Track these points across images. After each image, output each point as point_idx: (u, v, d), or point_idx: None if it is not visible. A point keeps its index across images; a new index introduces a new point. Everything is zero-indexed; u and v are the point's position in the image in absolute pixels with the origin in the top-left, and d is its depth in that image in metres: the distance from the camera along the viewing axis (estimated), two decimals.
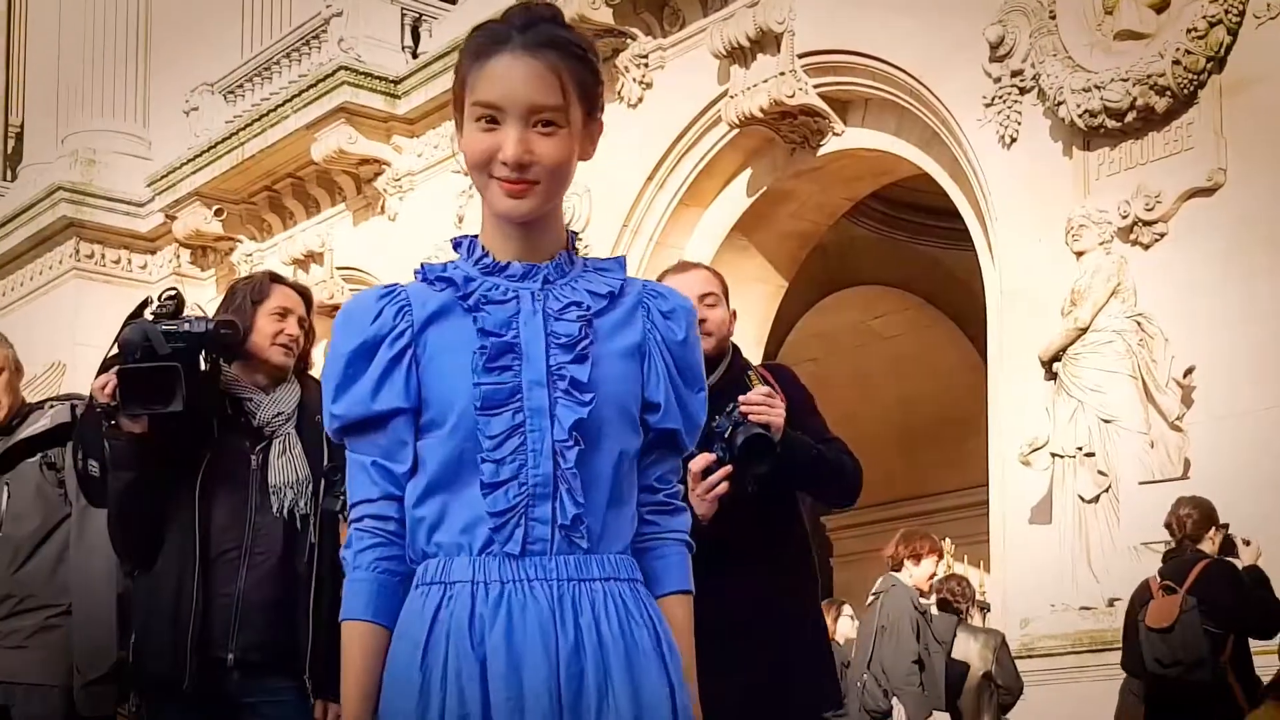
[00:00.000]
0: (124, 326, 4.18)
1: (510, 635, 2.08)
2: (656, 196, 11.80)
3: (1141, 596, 7.11)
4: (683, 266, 4.30)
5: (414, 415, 2.16)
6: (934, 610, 8.58)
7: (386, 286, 2.24)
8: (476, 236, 2.24)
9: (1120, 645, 7.35)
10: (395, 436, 2.17)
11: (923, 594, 8.49)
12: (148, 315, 4.21)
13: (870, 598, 8.64)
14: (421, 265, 2.25)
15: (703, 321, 3.93)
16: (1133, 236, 8.66)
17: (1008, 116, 9.30)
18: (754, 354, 12.06)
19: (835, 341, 15.52)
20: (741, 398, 3.87)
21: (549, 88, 2.10)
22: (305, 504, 4.23)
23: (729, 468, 3.81)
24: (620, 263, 2.31)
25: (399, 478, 2.18)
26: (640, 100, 11.74)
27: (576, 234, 2.27)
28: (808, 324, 14.94)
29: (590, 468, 2.14)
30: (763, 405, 3.85)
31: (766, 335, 12.41)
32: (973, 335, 13.99)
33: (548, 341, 2.15)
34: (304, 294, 4.53)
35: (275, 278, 4.57)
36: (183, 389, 4.00)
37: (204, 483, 4.18)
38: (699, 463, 3.79)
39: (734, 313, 4.21)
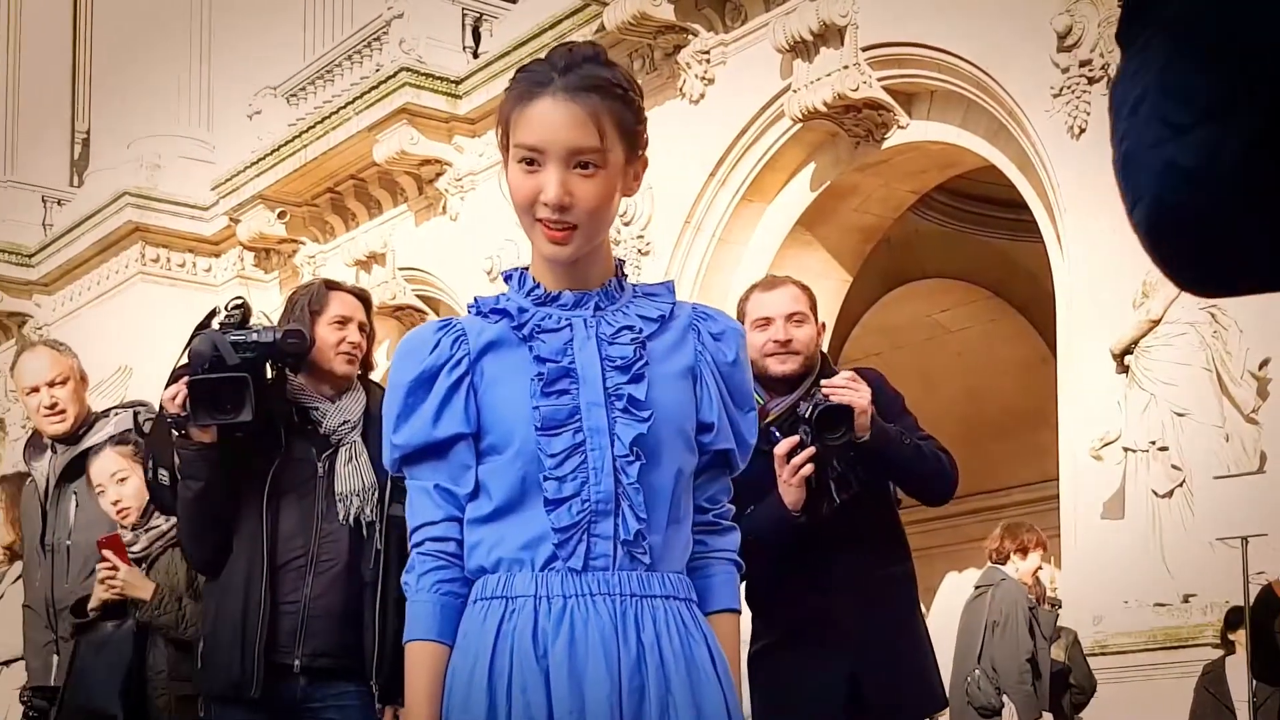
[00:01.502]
0: (192, 337, 4.22)
1: (573, 649, 2.11)
2: (719, 193, 11.77)
3: (1270, 603, 7.00)
4: (770, 283, 4.22)
5: (473, 440, 2.22)
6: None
7: (442, 320, 2.35)
8: (526, 269, 2.31)
9: (1198, 643, 7.26)
10: (457, 461, 2.23)
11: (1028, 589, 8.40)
12: (215, 325, 4.23)
13: (975, 590, 8.54)
14: (475, 299, 2.33)
15: (789, 341, 3.95)
16: None
17: (1076, 107, 9.21)
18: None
19: (900, 336, 15.44)
20: (824, 381, 3.85)
21: (588, 131, 2.15)
22: (371, 511, 4.25)
23: (812, 449, 3.79)
24: (669, 287, 2.38)
25: (461, 500, 2.23)
26: (702, 96, 11.71)
27: (624, 262, 2.26)
28: (872, 319, 14.87)
29: (650, 485, 2.19)
30: (845, 387, 3.82)
31: (831, 331, 12.35)
32: (1041, 327, 13.89)
33: (603, 365, 2.22)
34: (362, 298, 4.55)
35: (331, 285, 4.57)
36: (251, 398, 4.04)
37: (271, 491, 4.20)
38: (783, 446, 3.80)
39: (823, 325, 4.15)
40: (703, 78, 11.69)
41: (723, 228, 11.85)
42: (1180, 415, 8.53)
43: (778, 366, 3.94)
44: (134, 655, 4.79)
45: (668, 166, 11.75)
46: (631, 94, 2.23)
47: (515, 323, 2.24)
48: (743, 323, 4.00)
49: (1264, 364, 8.30)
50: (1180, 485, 8.49)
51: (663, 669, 2.14)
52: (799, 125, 11.16)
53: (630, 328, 2.25)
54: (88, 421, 5.18)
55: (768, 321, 3.96)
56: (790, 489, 3.80)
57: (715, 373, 2.30)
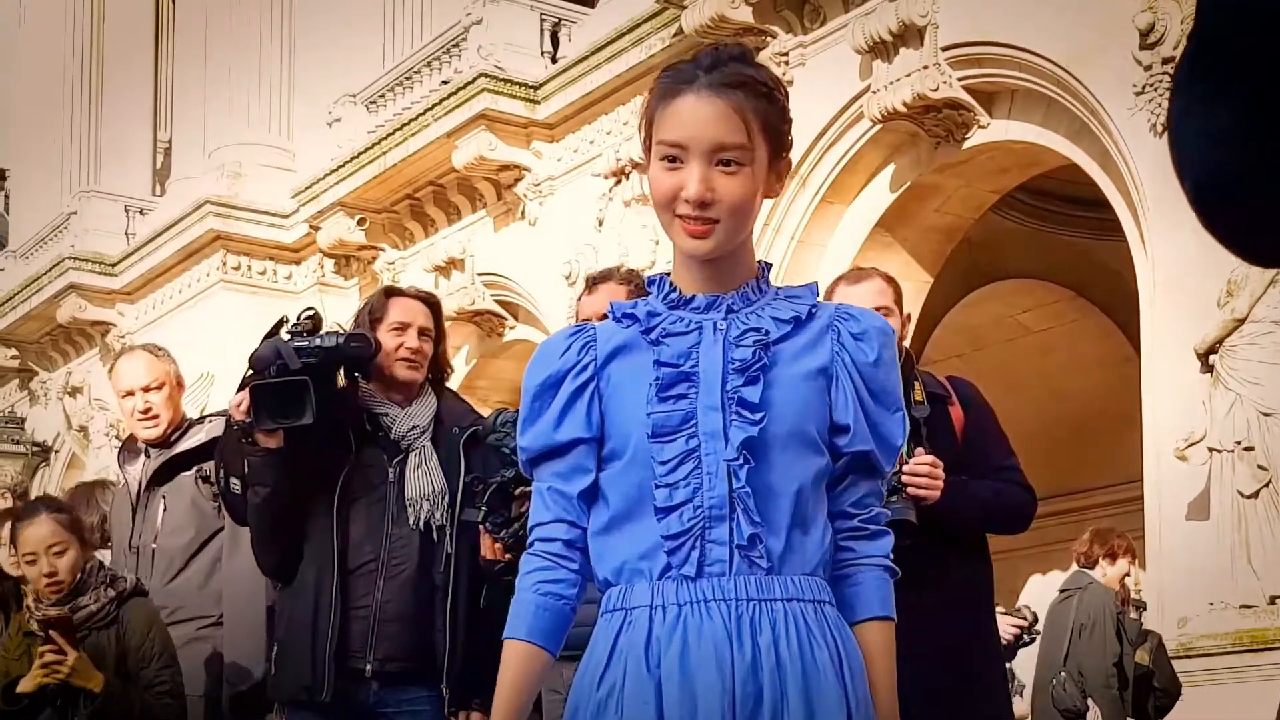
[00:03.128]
0: (260, 345, 4.31)
1: (685, 657, 2.10)
2: (798, 195, 11.78)
3: None
4: (856, 276, 4.26)
5: (596, 445, 2.23)
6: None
7: (577, 325, 2.39)
8: (668, 274, 2.31)
9: None
10: (574, 464, 2.24)
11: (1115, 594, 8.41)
12: (283, 333, 4.32)
13: (1061, 594, 8.55)
14: (611, 305, 2.35)
15: None
16: None
17: (1159, 105, 9.18)
18: None
19: (982, 336, 15.39)
20: (907, 466, 3.81)
21: (732, 127, 2.14)
22: (441, 515, 4.32)
23: None
24: (812, 289, 2.34)
25: (572, 501, 2.24)
26: None
27: (769, 264, 2.55)
28: (954, 319, 14.83)
29: (767, 487, 2.16)
30: (925, 479, 3.81)
31: (912, 332, 12.32)
32: (1124, 327, 13.81)
33: (725, 367, 2.19)
34: (428, 301, 4.58)
35: (392, 291, 4.64)
36: (312, 401, 4.12)
37: (342, 497, 4.29)
38: None
39: (908, 317, 4.22)
40: (782, 79, 11.69)
41: (802, 229, 11.87)
42: (1266, 415, 8.48)
43: None
44: None
45: None
46: (777, 93, 2.23)
47: (644, 327, 2.24)
48: None
49: None
50: (1266, 486, 8.43)
51: (778, 671, 2.10)
52: (878, 126, 11.18)
53: (757, 329, 2.22)
54: (181, 427, 5.29)
55: None
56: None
57: (854, 373, 2.24)
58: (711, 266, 2.23)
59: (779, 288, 2.31)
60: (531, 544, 2.27)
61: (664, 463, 2.16)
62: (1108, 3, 9.53)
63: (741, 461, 2.15)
